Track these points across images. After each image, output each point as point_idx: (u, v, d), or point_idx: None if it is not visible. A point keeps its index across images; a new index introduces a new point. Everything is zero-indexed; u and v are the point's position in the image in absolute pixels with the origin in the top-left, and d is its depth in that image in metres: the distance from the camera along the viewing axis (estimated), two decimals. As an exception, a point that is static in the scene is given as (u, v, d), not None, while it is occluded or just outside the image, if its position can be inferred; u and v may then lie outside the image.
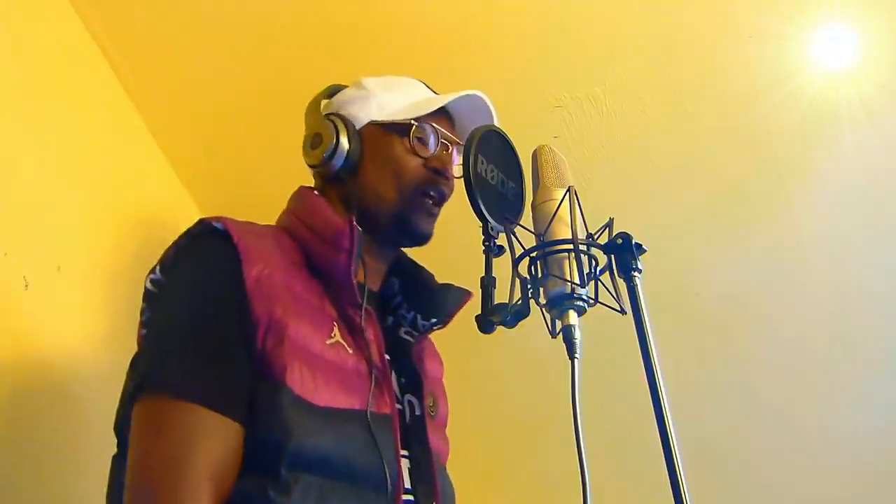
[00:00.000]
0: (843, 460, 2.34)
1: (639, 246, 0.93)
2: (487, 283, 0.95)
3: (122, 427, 0.96)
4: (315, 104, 1.22)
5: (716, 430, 2.26)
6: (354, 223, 1.04)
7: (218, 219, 1.02)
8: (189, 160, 2.00)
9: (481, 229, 1.00)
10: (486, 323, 0.92)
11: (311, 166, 1.17)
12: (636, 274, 0.91)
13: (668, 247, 2.02)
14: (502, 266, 0.95)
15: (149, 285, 1.02)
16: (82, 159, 1.64)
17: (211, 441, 0.88)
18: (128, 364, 1.02)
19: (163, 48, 1.83)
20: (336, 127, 1.14)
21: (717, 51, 1.85)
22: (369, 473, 0.96)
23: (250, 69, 1.86)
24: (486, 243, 0.99)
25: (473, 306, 0.94)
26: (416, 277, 1.23)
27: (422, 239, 1.18)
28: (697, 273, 2.15)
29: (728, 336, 2.26)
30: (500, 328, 0.92)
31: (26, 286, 1.37)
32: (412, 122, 1.16)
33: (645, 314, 0.88)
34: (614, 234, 0.94)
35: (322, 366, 0.97)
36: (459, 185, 1.06)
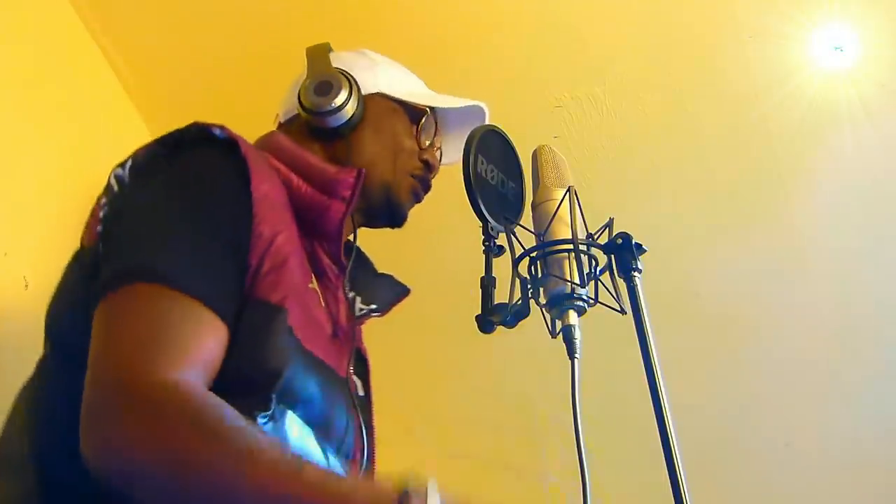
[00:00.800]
0: (843, 461, 2.34)
1: (639, 246, 0.93)
2: (487, 283, 0.94)
3: (62, 327, 0.86)
4: (322, 51, 1.16)
5: (716, 430, 2.26)
6: (363, 174, 1.01)
7: (220, 127, 0.91)
8: (189, 160, 2.00)
9: (481, 229, 1.00)
10: (486, 323, 0.92)
11: (307, 111, 1.09)
12: (636, 274, 0.91)
13: (668, 247, 2.02)
14: (502, 266, 0.95)
15: (112, 181, 0.91)
16: (82, 160, 1.64)
17: (206, 337, 0.76)
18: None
19: (162, 48, 1.83)
20: (350, 83, 1.09)
21: (717, 50, 1.85)
22: (338, 432, 0.92)
23: (251, 68, 1.86)
24: (486, 243, 0.98)
25: (475, 306, 0.94)
26: (360, 261, 1.19)
27: (401, 220, 1.16)
28: (697, 273, 2.15)
29: (728, 336, 2.26)
30: (500, 328, 0.92)
31: (26, 286, 1.37)
32: (427, 109, 1.15)
33: (645, 314, 0.88)
34: (614, 234, 0.94)
35: (307, 309, 0.93)
36: (458, 183, 1.06)
